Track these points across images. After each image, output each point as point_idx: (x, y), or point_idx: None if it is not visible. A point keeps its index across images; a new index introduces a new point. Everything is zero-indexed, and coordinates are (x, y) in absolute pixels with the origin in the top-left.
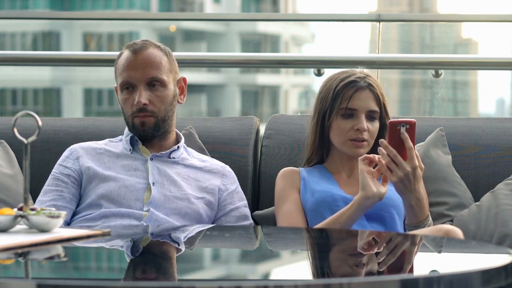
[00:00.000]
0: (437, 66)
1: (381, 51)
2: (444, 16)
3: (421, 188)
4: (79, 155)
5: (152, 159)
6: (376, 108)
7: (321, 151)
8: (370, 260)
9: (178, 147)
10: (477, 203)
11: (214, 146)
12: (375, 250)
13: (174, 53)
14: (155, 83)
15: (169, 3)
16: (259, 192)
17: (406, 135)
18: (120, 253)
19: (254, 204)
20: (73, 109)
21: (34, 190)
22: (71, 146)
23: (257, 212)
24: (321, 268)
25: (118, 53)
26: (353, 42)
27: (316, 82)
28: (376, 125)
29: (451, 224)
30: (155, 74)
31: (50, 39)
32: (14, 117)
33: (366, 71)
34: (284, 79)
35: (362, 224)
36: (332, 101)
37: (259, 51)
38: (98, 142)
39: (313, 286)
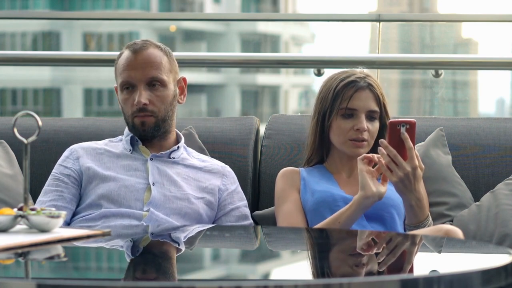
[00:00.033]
0: (437, 66)
1: (381, 51)
2: (444, 16)
3: (421, 188)
4: (79, 155)
5: (152, 159)
6: (376, 108)
7: (321, 151)
8: (370, 260)
9: (178, 147)
10: (477, 203)
11: (214, 146)
12: (375, 250)
13: (174, 53)
14: (155, 83)
15: (169, 3)
16: (259, 192)
17: (406, 135)
18: (120, 253)
19: (254, 204)
20: (73, 109)
21: (34, 190)
22: (71, 146)
23: (257, 212)
24: (321, 268)
25: (118, 53)
26: (353, 42)
27: (316, 82)
28: (376, 125)
29: (451, 224)
30: (155, 74)
31: (50, 39)
32: (14, 117)
33: (366, 71)
34: (284, 79)
35: (362, 224)
36: (332, 101)
37: (259, 51)
38: (98, 142)
39: (313, 286)
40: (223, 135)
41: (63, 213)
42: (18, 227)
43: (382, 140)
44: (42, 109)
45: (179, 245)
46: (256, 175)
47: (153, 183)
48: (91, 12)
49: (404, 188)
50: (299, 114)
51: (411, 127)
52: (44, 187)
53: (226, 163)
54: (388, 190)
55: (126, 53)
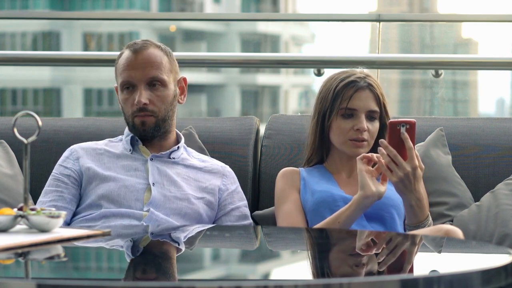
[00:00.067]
0: (437, 66)
1: (381, 51)
2: (444, 16)
3: (421, 188)
4: (79, 156)
5: (152, 159)
6: (376, 108)
7: (321, 151)
8: (370, 260)
9: (178, 147)
10: (477, 203)
11: (214, 146)
12: (375, 250)
13: (174, 53)
14: (155, 83)
15: (169, 3)
16: (259, 192)
17: (406, 135)
18: (120, 253)
19: (254, 204)
20: (73, 109)
21: (34, 190)
22: (71, 147)
23: (257, 212)
24: (321, 268)
25: (118, 53)
26: (353, 42)
27: (316, 82)
28: (376, 125)
29: (451, 224)
30: (156, 73)
31: (50, 39)
32: (14, 117)
33: (366, 71)
34: (284, 79)
35: (362, 224)
36: (332, 101)
37: (259, 51)
38: (98, 142)
39: (313, 286)
40: (223, 135)
41: (63, 213)
42: (18, 227)
43: (382, 140)
44: (42, 109)
45: (179, 245)
46: (256, 175)
47: (153, 183)
48: (91, 12)
49: (404, 188)
50: (299, 114)
51: (411, 127)
52: (44, 188)
53: (226, 163)
54: (388, 190)
55: (127, 53)
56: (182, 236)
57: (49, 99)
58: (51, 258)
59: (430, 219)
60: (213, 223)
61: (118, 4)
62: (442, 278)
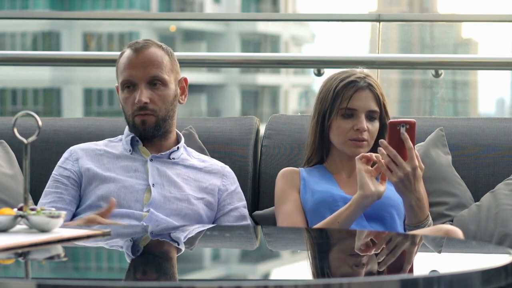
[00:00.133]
0: (437, 66)
1: (381, 51)
2: (444, 16)
3: (421, 188)
4: (78, 157)
5: (152, 160)
6: (376, 108)
7: (321, 151)
8: (370, 260)
9: (178, 147)
10: (477, 203)
11: (214, 146)
12: (375, 250)
13: (174, 53)
14: (156, 82)
15: (169, 3)
16: (259, 192)
17: (406, 135)
18: (120, 253)
19: (254, 204)
20: (73, 109)
21: (34, 190)
22: (71, 148)
23: (257, 212)
24: (321, 268)
25: (118, 53)
26: (353, 42)
27: (316, 82)
28: (376, 125)
29: (451, 224)
30: (156, 73)
31: (50, 39)
32: (14, 117)
33: (366, 71)
34: (284, 79)
35: (362, 224)
36: (332, 101)
37: (259, 51)
38: (97, 143)
39: (313, 286)
40: (223, 135)
41: (63, 213)
42: (18, 227)
43: (382, 140)
44: (42, 109)
45: (179, 245)
46: (256, 175)
47: (153, 184)
48: (91, 12)
49: (404, 188)
50: (299, 114)
51: (411, 127)
52: (45, 189)
53: (226, 163)
54: (388, 190)
55: (128, 52)
56: (182, 236)
57: (49, 99)
58: (51, 258)
59: (430, 219)
60: (212, 223)
61: (118, 4)
62: (442, 278)
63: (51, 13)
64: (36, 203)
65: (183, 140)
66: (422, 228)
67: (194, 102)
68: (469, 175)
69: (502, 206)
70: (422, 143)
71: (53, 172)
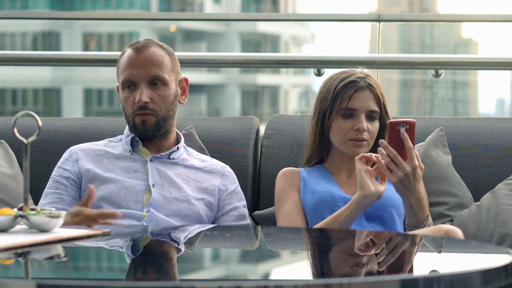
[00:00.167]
0: (437, 66)
1: (381, 51)
2: (444, 16)
3: (421, 188)
4: (78, 157)
5: (151, 160)
6: (376, 108)
7: (321, 151)
8: (370, 260)
9: (178, 147)
10: (477, 203)
11: (214, 146)
12: (375, 250)
13: None
14: (156, 82)
15: (169, 3)
16: (259, 192)
17: (406, 135)
18: (120, 253)
19: (254, 204)
20: (73, 109)
21: (34, 190)
22: (70, 148)
23: (257, 212)
24: (321, 268)
25: (118, 53)
26: (353, 42)
27: (316, 82)
28: (376, 125)
29: (451, 224)
30: (157, 72)
31: (50, 39)
32: (14, 117)
33: (366, 71)
34: (284, 79)
35: (362, 225)
36: (332, 101)
37: (259, 51)
38: (97, 143)
39: (313, 286)
40: (223, 135)
41: (63, 213)
42: (18, 227)
43: (381, 140)
44: (42, 109)
45: (179, 245)
46: (256, 175)
47: (153, 185)
48: (91, 12)
49: (404, 188)
50: (299, 114)
51: (410, 127)
52: (45, 190)
53: (226, 163)
54: (387, 190)
55: (129, 51)
56: (182, 236)
57: (49, 99)
58: (51, 258)
59: (430, 219)
60: (212, 223)
61: (118, 4)
62: (442, 278)
63: (51, 13)
64: (36, 203)
65: (183, 140)
66: (422, 228)
67: (194, 102)
68: (469, 175)
69: (502, 206)
70: (422, 143)
71: (53, 172)
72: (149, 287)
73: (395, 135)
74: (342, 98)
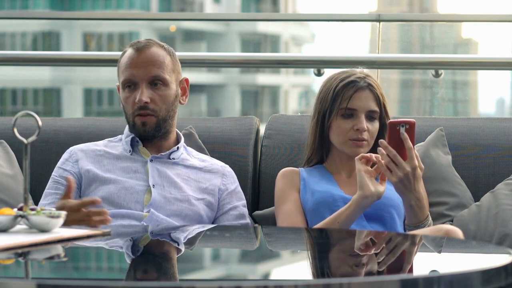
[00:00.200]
0: (437, 66)
1: (381, 51)
2: (444, 16)
3: (421, 188)
4: (78, 158)
5: (152, 160)
6: (376, 108)
7: (321, 151)
8: (370, 260)
9: (178, 147)
10: (477, 203)
11: (214, 146)
12: (375, 250)
13: None
14: (157, 82)
15: (169, 3)
16: (259, 192)
17: (406, 135)
18: (120, 253)
19: (254, 204)
20: (73, 109)
21: (34, 190)
22: (70, 148)
23: (257, 212)
24: (321, 268)
25: (118, 53)
26: (353, 42)
27: (316, 82)
28: (376, 125)
29: (451, 224)
30: (158, 72)
31: (50, 39)
32: (14, 117)
33: (366, 71)
34: (284, 79)
35: (362, 225)
36: (332, 101)
37: (259, 51)
38: (97, 143)
39: (313, 286)
40: (223, 135)
41: (63, 213)
42: (18, 227)
43: (381, 140)
44: (42, 109)
45: (179, 245)
46: (256, 175)
47: (153, 185)
48: (91, 12)
49: (404, 188)
50: (299, 114)
51: (410, 127)
52: (45, 190)
53: (226, 163)
54: (387, 190)
55: (129, 51)
56: (182, 236)
57: (49, 99)
58: (51, 258)
59: (430, 219)
60: (212, 223)
61: (118, 4)
62: (442, 278)
63: (51, 13)
64: (36, 203)
65: (183, 139)
66: (422, 228)
67: (194, 102)
68: (469, 175)
69: (502, 206)
70: (422, 143)
71: (53, 173)
72: (149, 287)
73: (395, 135)
74: (342, 98)
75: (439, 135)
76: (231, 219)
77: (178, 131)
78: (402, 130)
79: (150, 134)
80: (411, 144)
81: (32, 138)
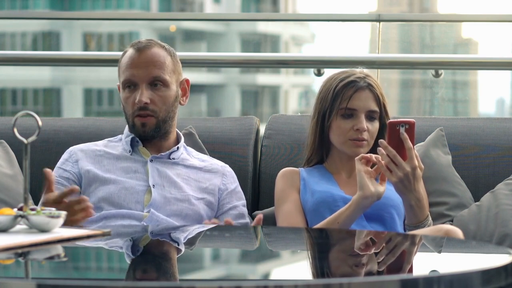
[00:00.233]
0: (437, 66)
1: (381, 51)
2: (444, 16)
3: (421, 188)
4: (78, 158)
5: (152, 160)
6: (376, 108)
7: (321, 151)
8: (370, 260)
9: (178, 147)
10: (477, 203)
11: (214, 146)
12: (375, 250)
13: None
14: (157, 83)
15: (169, 3)
16: (259, 192)
17: (406, 135)
18: (120, 253)
19: (254, 204)
20: (73, 109)
21: (34, 190)
22: (70, 149)
23: (257, 212)
24: (321, 268)
25: (118, 53)
26: (353, 42)
27: (316, 82)
28: (376, 125)
29: (451, 224)
30: (158, 73)
31: (50, 39)
32: (14, 117)
33: (366, 71)
34: (284, 79)
35: (362, 225)
36: (332, 101)
37: (259, 51)
38: (97, 143)
39: (313, 286)
40: (223, 135)
41: (63, 213)
42: (18, 227)
43: (381, 140)
44: (42, 109)
45: (179, 245)
46: (256, 175)
47: (153, 185)
48: (91, 12)
49: (404, 188)
50: (299, 114)
51: (410, 127)
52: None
53: (226, 163)
54: (387, 190)
55: (130, 51)
56: (182, 236)
57: (49, 99)
58: (51, 258)
59: (430, 219)
60: None
61: (118, 4)
62: (442, 278)
63: (51, 13)
64: (36, 203)
65: (183, 139)
66: (422, 228)
67: (194, 102)
68: (469, 175)
69: (502, 206)
70: (422, 143)
71: (53, 173)
72: (149, 287)
73: (394, 135)
74: (342, 98)
75: (439, 135)
76: (231, 218)
77: (178, 131)
78: (402, 130)
79: (150, 135)
80: (411, 144)
81: (32, 138)
